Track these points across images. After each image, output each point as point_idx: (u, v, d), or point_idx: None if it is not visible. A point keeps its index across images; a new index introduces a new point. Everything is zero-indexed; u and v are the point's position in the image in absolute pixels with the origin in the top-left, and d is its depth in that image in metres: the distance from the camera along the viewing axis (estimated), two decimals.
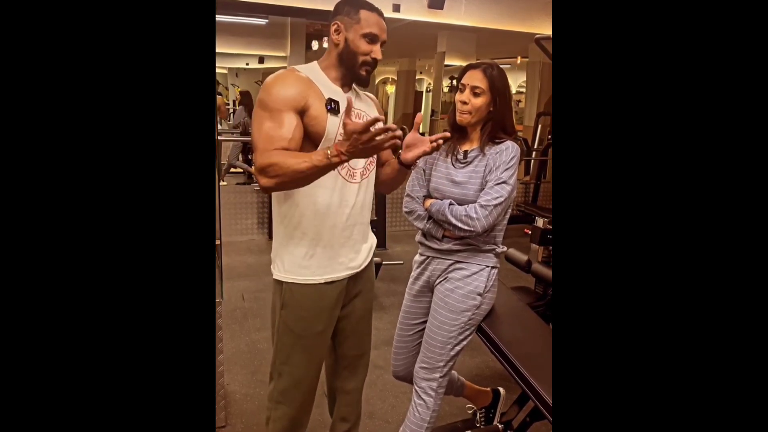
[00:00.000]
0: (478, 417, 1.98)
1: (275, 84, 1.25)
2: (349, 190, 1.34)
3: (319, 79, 1.31)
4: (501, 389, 1.99)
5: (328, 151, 1.13)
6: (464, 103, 1.53)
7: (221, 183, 6.02)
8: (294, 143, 1.23)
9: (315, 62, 1.36)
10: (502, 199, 1.49)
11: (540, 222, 2.86)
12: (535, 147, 6.59)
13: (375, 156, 1.39)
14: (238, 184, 6.14)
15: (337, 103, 1.27)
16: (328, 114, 1.26)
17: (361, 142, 1.09)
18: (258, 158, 1.21)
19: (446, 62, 7.40)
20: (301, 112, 1.25)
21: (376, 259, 3.95)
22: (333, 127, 1.26)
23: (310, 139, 1.27)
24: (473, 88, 1.52)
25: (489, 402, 1.99)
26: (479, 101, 1.52)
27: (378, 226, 4.53)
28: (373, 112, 1.44)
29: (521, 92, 9.15)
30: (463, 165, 1.57)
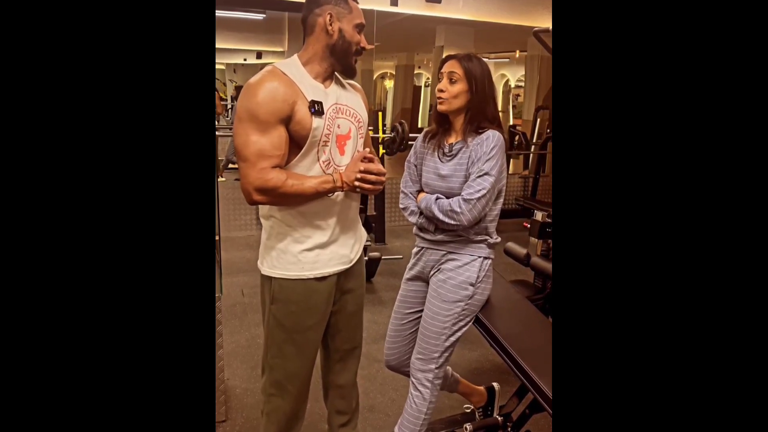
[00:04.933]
0: (477, 417, 1.97)
1: (261, 91, 1.22)
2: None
3: (301, 79, 1.28)
4: (495, 385, 1.97)
5: (333, 177, 1.28)
6: (441, 90, 1.57)
7: (219, 179, 6.01)
8: (284, 159, 1.26)
9: (295, 56, 1.33)
10: (484, 191, 1.50)
11: (539, 215, 2.87)
12: (534, 141, 6.58)
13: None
14: (236, 180, 6.13)
15: (320, 104, 1.27)
16: (313, 117, 1.25)
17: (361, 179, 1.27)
18: (251, 174, 1.22)
19: (444, 56, 7.37)
20: (287, 120, 1.25)
21: (375, 254, 3.91)
22: (318, 128, 1.26)
23: (294, 142, 1.27)
24: (449, 75, 1.56)
25: (485, 401, 1.98)
26: (455, 88, 1.55)
27: (377, 221, 4.53)
28: (359, 104, 1.42)
29: (520, 86, 9.13)
30: (448, 158, 1.59)
